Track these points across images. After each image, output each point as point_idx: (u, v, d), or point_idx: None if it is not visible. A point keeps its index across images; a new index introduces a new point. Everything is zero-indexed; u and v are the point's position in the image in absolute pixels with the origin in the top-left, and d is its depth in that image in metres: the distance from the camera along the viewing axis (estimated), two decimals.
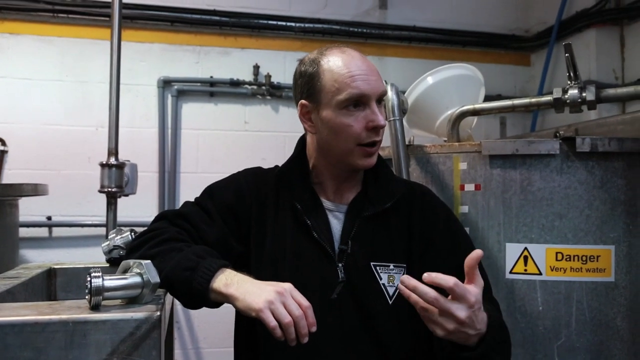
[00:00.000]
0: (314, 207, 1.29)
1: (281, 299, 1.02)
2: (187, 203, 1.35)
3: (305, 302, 1.03)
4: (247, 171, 1.39)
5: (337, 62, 1.24)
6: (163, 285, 1.07)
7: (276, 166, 1.41)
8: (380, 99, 1.26)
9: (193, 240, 1.23)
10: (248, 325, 1.25)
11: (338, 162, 1.29)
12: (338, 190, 1.33)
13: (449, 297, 1.03)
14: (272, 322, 1.00)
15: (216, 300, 1.09)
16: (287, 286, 1.05)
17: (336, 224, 1.29)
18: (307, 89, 1.27)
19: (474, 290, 1.04)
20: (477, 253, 1.05)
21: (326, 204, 1.31)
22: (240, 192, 1.32)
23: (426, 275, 1.02)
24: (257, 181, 1.35)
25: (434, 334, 1.06)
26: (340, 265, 1.24)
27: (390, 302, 1.24)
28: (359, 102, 1.23)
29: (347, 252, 1.24)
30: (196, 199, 1.35)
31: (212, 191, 1.35)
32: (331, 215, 1.30)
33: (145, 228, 1.27)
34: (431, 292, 1.01)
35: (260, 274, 1.14)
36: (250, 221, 1.29)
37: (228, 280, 1.08)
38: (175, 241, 1.19)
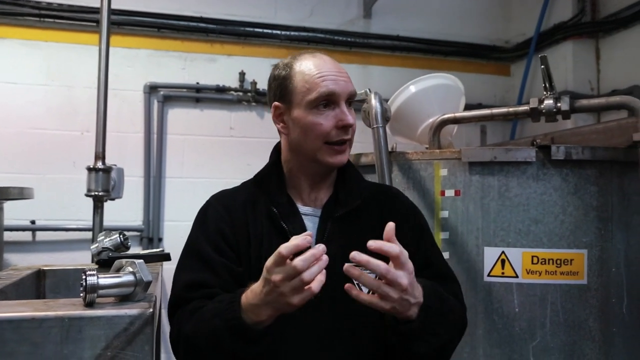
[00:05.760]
0: (290, 211, 1.32)
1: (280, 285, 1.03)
2: (176, 281, 1.30)
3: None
4: (209, 204, 1.38)
5: (308, 65, 1.30)
6: (217, 347, 1.12)
7: (243, 183, 1.44)
8: (350, 100, 1.31)
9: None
10: None
11: (310, 162, 1.32)
12: (312, 192, 1.36)
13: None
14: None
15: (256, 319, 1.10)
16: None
17: (312, 227, 1.32)
18: (279, 90, 1.32)
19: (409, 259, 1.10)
20: (390, 225, 1.10)
21: (302, 208, 1.34)
22: (216, 225, 1.32)
23: (371, 243, 1.06)
24: (225, 204, 1.36)
25: (380, 309, 1.08)
26: None
27: None
28: (328, 101, 1.28)
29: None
30: (181, 262, 1.32)
31: (195, 244, 1.32)
32: (307, 219, 1.33)
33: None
34: (383, 265, 1.06)
35: (248, 281, 1.17)
36: (238, 240, 1.31)
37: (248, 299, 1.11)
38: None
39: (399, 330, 1.14)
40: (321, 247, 1.04)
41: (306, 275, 1.01)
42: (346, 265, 1.06)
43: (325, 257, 1.04)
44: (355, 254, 1.05)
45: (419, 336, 1.14)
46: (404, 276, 1.07)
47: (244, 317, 1.09)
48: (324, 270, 1.04)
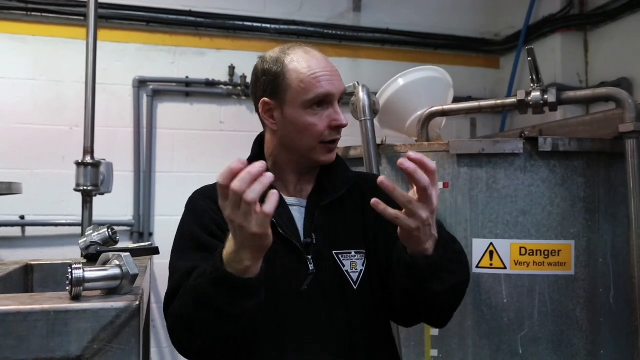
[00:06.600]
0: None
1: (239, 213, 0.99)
2: (174, 271, 1.25)
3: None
4: (196, 198, 1.36)
5: (302, 63, 1.28)
6: (205, 310, 1.07)
7: None
8: (341, 98, 1.32)
9: None
10: None
11: (300, 158, 1.33)
12: (298, 184, 1.37)
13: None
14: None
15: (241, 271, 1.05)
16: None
17: (299, 218, 1.32)
18: (270, 87, 1.30)
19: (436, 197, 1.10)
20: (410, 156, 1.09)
21: (288, 200, 1.34)
22: (209, 214, 1.30)
23: (411, 154, 1.06)
24: (212, 197, 1.30)
25: (406, 226, 1.08)
26: (309, 257, 1.27)
27: (355, 288, 1.28)
28: (323, 101, 1.28)
29: (312, 244, 1.28)
30: (177, 254, 1.29)
31: (191, 234, 1.29)
32: (293, 209, 1.33)
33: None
34: (407, 195, 1.07)
35: None
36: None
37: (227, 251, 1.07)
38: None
39: (418, 265, 1.14)
40: (259, 163, 0.99)
41: (248, 195, 0.96)
42: (381, 177, 1.06)
43: (268, 175, 0.99)
44: (384, 179, 1.06)
45: (435, 273, 1.15)
46: (424, 209, 1.07)
47: (228, 269, 1.05)
48: (275, 192, 1.00)
